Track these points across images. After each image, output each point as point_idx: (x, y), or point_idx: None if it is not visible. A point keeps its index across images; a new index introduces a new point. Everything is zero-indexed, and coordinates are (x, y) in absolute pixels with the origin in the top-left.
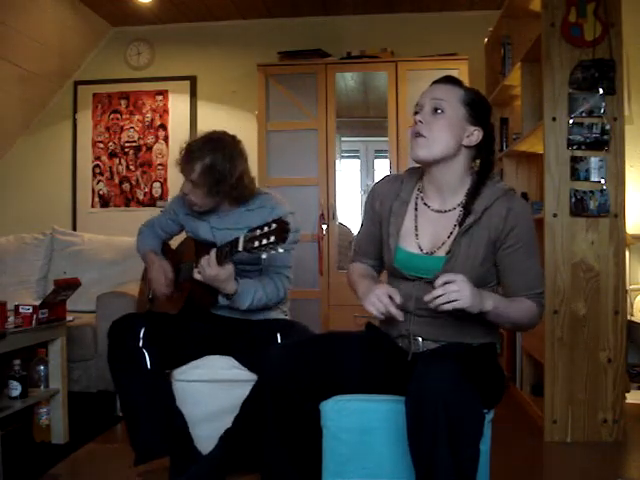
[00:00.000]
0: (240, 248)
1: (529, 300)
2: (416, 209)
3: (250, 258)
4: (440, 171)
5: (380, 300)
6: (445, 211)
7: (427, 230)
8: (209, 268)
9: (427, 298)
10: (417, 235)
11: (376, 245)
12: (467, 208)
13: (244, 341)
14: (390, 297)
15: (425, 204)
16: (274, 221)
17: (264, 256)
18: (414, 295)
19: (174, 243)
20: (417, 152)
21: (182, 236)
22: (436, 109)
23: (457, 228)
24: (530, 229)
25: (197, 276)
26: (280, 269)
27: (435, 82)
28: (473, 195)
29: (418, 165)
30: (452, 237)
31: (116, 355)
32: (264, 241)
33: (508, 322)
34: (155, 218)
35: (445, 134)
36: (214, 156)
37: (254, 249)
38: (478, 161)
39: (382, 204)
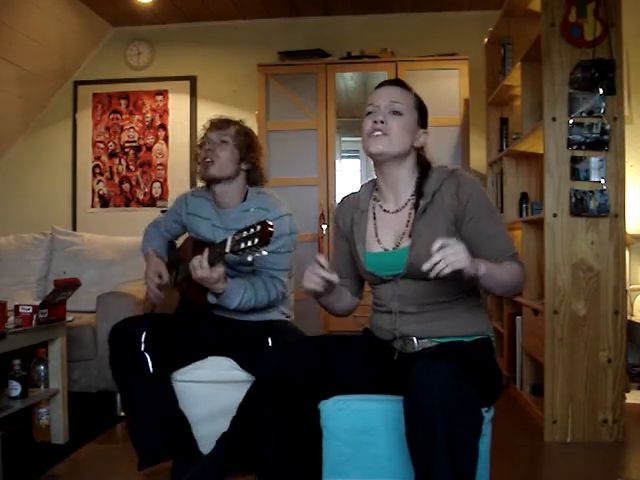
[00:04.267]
0: (227, 250)
1: (510, 261)
2: (374, 216)
3: (242, 259)
4: (394, 169)
5: (312, 272)
6: (401, 208)
7: (387, 230)
8: (200, 270)
9: (425, 267)
10: (378, 239)
11: (351, 263)
12: (419, 191)
13: (239, 342)
14: (320, 265)
15: (383, 210)
16: (259, 223)
17: (249, 258)
18: (396, 294)
19: (178, 242)
20: (378, 146)
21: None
22: (395, 111)
23: (413, 215)
24: (484, 198)
25: (194, 275)
26: (274, 272)
27: (385, 84)
28: (421, 181)
29: (370, 179)
30: (410, 224)
31: (118, 360)
32: (249, 243)
33: (500, 284)
34: (160, 219)
35: (404, 134)
36: (248, 129)
37: (240, 251)
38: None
39: (344, 221)
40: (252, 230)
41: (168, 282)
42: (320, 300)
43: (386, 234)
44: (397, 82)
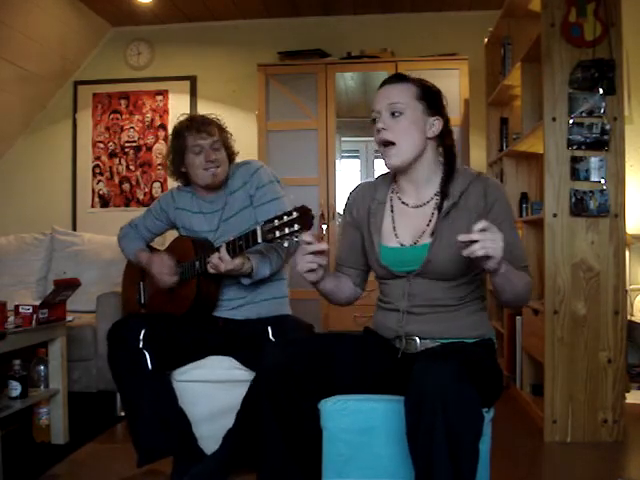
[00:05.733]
0: (260, 240)
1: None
2: (392, 208)
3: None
4: (414, 168)
5: (304, 257)
6: (422, 205)
7: (405, 225)
8: (223, 264)
9: (461, 238)
10: (396, 234)
11: (358, 252)
12: (444, 192)
13: (240, 340)
14: (307, 242)
15: (402, 202)
16: (295, 209)
17: (286, 244)
18: (406, 292)
19: (160, 243)
20: (391, 162)
21: (171, 235)
22: (394, 112)
23: (436, 214)
24: (508, 205)
25: (212, 271)
26: None
27: (384, 83)
28: (447, 181)
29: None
30: (432, 224)
31: (117, 357)
32: (286, 230)
33: (514, 289)
34: (138, 219)
35: (410, 133)
36: (218, 119)
37: (277, 239)
38: (441, 149)
39: (359, 210)
40: (286, 218)
41: (175, 267)
42: (319, 287)
43: (404, 229)
44: (394, 78)
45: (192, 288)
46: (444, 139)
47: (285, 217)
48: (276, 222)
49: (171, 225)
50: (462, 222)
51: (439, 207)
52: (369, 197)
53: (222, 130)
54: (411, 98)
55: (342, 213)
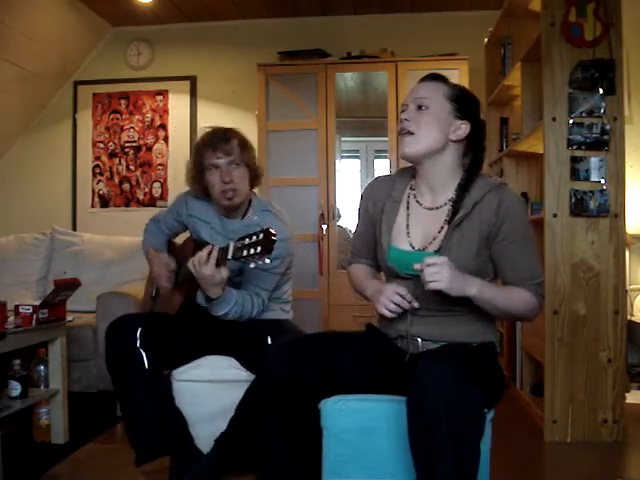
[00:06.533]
0: (230, 256)
1: (526, 291)
2: (408, 207)
3: (238, 267)
4: (429, 166)
5: (391, 299)
6: (436, 208)
7: (418, 227)
8: (205, 266)
9: (416, 267)
10: (408, 233)
11: (371, 246)
12: (457, 204)
13: (239, 341)
14: (400, 295)
15: (417, 202)
16: (262, 231)
17: (252, 266)
18: (411, 294)
19: (179, 240)
20: (404, 149)
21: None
22: (420, 106)
23: (447, 224)
24: (523, 221)
25: (192, 268)
26: (259, 290)
27: (420, 80)
28: (463, 190)
29: (409, 165)
30: (442, 233)
31: (114, 356)
32: (251, 251)
33: (496, 309)
34: (161, 215)
35: (431, 128)
36: (241, 134)
37: (242, 258)
38: (468, 157)
39: (375, 205)
40: (254, 238)
41: (175, 269)
42: None
43: (416, 231)
44: (429, 77)
45: (182, 292)
46: (472, 147)
47: (254, 237)
48: (246, 241)
49: (185, 227)
50: (473, 233)
51: (450, 217)
52: (386, 192)
53: (244, 147)
54: (440, 96)
55: (359, 204)
